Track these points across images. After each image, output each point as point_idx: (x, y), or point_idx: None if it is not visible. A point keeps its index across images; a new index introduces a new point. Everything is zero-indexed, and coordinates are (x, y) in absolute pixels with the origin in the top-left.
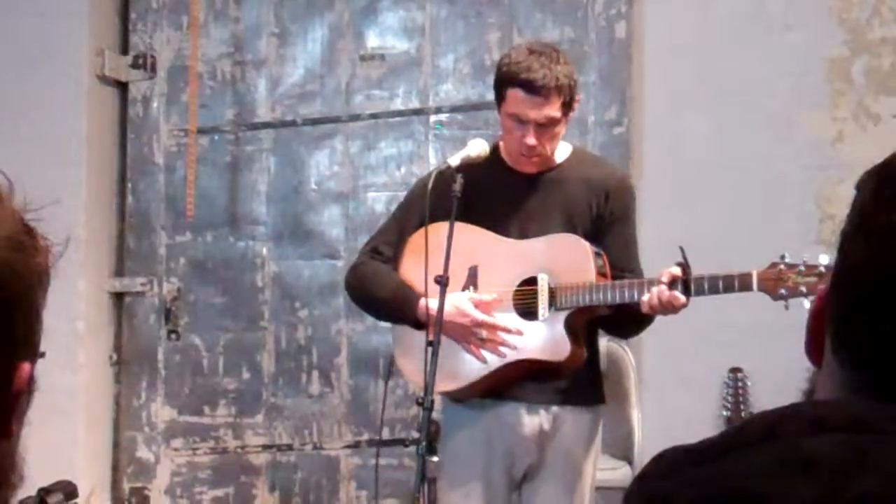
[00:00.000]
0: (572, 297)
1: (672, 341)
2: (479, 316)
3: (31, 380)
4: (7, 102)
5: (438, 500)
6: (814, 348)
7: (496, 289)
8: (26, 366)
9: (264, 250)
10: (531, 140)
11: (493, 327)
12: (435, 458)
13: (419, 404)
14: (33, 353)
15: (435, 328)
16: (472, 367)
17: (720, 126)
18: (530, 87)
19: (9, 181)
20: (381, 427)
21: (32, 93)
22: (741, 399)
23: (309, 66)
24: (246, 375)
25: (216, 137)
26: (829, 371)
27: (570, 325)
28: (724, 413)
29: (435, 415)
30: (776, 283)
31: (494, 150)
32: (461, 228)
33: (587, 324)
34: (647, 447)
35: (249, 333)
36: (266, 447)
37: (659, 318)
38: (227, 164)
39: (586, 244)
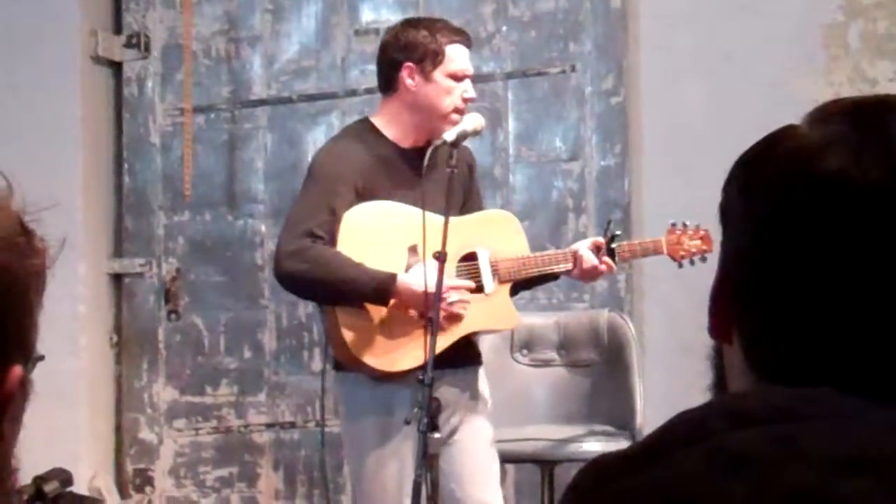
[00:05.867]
0: (515, 270)
1: (674, 309)
2: (450, 281)
3: (23, 383)
4: (1, 84)
5: (366, 476)
6: (718, 330)
7: (436, 265)
8: (17, 369)
9: (263, 228)
10: (473, 92)
11: (458, 288)
12: (437, 435)
13: (419, 381)
14: (26, 357)
15: (433, 303)
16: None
17: (717, 93)
18: (466, 39)
19: (7, 182)
20: None
21: (26, 74)
22: None
23: (304, 41)
24: (247, 354)
25: (212, 116)
26: (739, 353)
27: (511, 295)
28: None
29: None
30: (677, 248)
31: (371, 127)
32: (386, 206)
33: (523, 287)
34: (649, 416)
35: (250, 312)
36: (269, 425)
37: (663, 287)
38: (223, 143)
39: (515, 219)
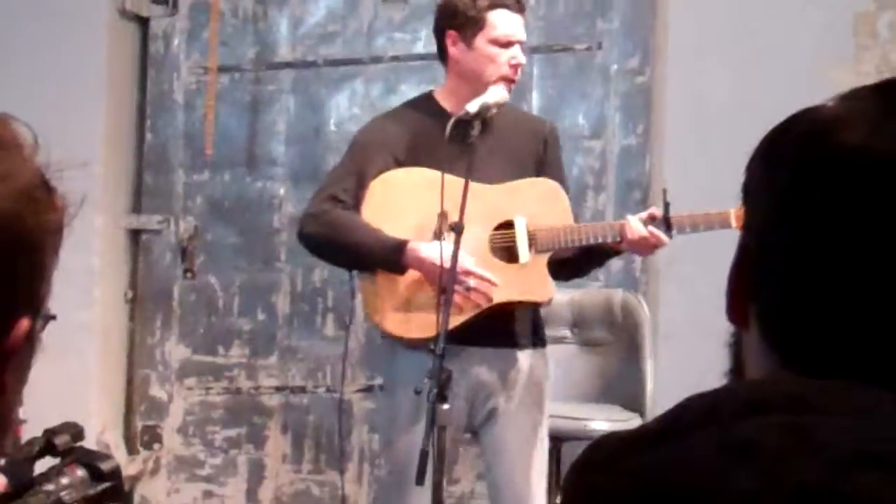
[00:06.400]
0: (553, 240)
1: (689, 292)
2: (471, 267)
3: (30, 337)
4: (27, 37)
5: (393, 445)
6: (736, 314)
7: (470, 233)
8: (25, 321)
9: (282, 191)
10: (523, 58)
11: (479, 278)
12: (445, 406)
13: (431, 351)
14: (35, 311)
15: (448, 274)
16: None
17: (743, 76)
18: (513, 5)
19: (35, 136)
20: None
21: (53, 27)
22: None
23: (331, 6)
24: (261, 316)
25: (236, 76)
26: (755, 337)
27: (547, 265)
28: None
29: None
30: None
31: (430, 98)
32: (427, 174)
33: (562, 262)
34: (660, 400)
35: (265, 274)
36: (279, 389)
37: (679, 269)
38: (246, 104)
39: (560, 187)
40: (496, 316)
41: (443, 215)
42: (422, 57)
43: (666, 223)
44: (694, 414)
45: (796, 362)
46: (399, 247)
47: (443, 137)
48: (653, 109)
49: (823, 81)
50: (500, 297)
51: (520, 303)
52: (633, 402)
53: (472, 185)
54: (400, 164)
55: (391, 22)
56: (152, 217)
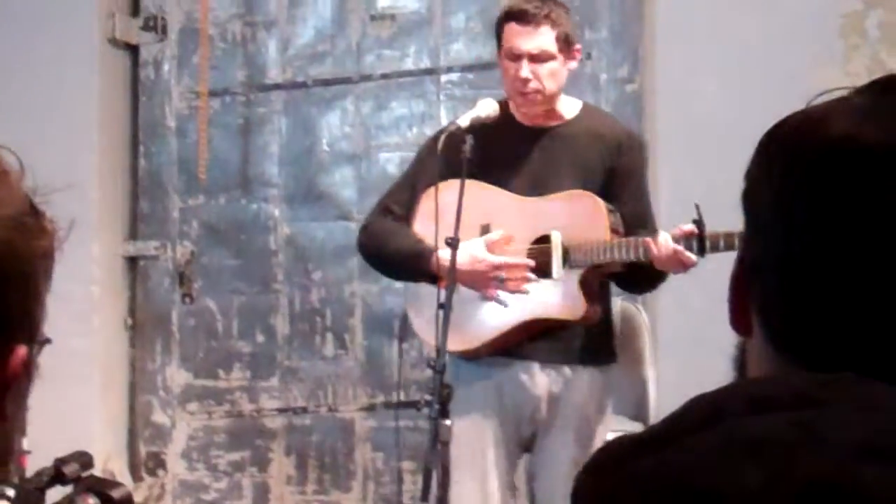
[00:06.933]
0: (586, 255)
1: (689, 301)
2: (495, 259)
3: (27, 364)
4: (19, 66)
5: (451, 456)
6: (739, 322)
7: (511, 246)
8: (22, 349)
9: (277, 212)
10: (525, 72)
11: (510, 266)
12: (447, 422)
13: (431, 367)
14: (31, 337)
15: (447, 290)
16: (485, 326)
17: (733, 83)
18: (520, 17)
19: (20, 161)
20: (399, 389)
21: (44, 56)
22: None
23: (319, 26)
24: (260, 338)
25: (227, 99)
26: (759, 342)
27: (584, 284)
28: None
29: (448, 377)
30: None
31: (503, 107)
32: (473, 187)
33: (600, 281)
34: (662, 407)
35: (263, 296)
36: (281, 410)
37: (679, 278)
38: (238, 127)
39: (600, 201)
40: (541, 330)
41: (486, 227)
42: (411, 73)
43: (699, 241)
44: (699, 414)
45: (800, 359)
46: (427, 254)
47: (509, 146)
48: (644, 117)
49: (813, 84)
50: (530, 312)
51: (549, 320)
52: (636, 412)
53: (516, 197)
54: (457, 174)
55: (379, 39)
56: (149, 243)
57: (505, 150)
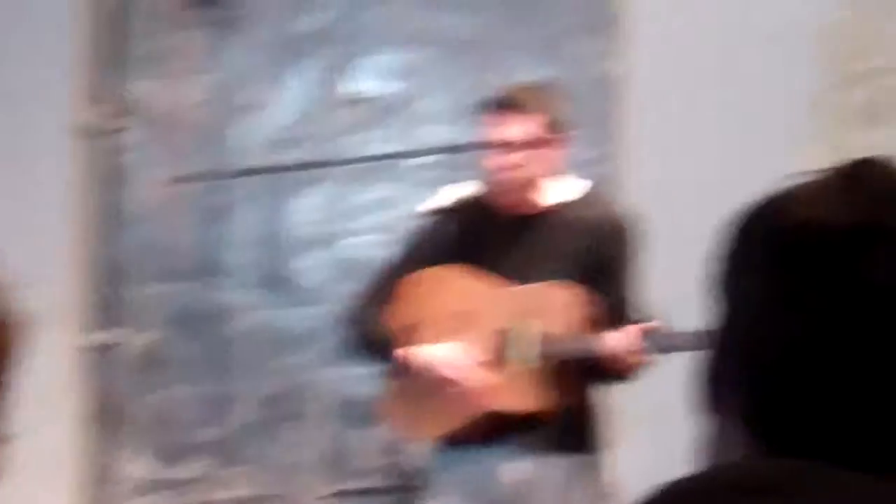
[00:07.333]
0: (542, 348)
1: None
2: (446, 374)
3: None
4: None
5: None
6: (709, 404)
7: (481, 335)
8: None
9: (243, 300)
10: (495, 160)
11: (465, 384)
12: None
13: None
14: None
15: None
16: (448, 414)
17: (707, 123)
18: (493, 104)
19: None
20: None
21: (11, 141)
22: None
23: (290, 112)
24: (222, 428)
25: (196, 186)
26: (730, 426)
27: (545, 374)
28: None
29: (421, 464)
30: None
31: (486, 193)
32: (454, 273)
33: (570, 371)
34: (628, 486)
35: (226, 385)
36: (244, 500)
37: None
38: (205, 213)
39: (576, 291)
40: (504, 421)
41: (464, 315)
42: (384, 157)
43: (662, 338)
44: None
45: (773, 444)
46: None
47: (495, 234)
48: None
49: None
50: (486, 405)
51: (508, 413)
52: None
53: (496, 285)
54: (442, 260)
55: (351, 124)
56: (111, 331)
57: (487, 237)
